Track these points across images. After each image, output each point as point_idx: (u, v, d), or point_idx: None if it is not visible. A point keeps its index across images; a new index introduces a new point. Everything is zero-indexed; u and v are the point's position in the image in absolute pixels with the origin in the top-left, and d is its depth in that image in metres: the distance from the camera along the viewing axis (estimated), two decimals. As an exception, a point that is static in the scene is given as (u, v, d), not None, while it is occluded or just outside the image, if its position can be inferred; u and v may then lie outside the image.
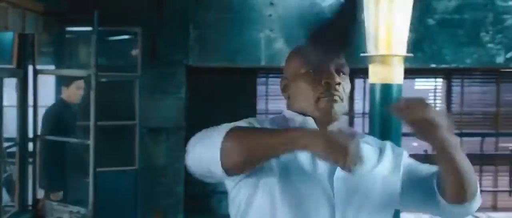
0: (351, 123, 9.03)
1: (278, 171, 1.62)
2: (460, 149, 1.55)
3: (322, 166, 1.63)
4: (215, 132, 1.56)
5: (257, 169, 1.59)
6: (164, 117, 7.34)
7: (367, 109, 9.06)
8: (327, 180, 1.63)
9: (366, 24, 5.12)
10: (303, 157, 1.63)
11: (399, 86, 5.05)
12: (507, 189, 8.86)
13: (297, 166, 1.63)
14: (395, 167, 1.74)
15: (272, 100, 8.84)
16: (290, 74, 1.76)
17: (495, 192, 8.98)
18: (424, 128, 1.48)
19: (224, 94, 8.07)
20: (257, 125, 1.70)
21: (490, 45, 7.63)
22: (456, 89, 8.97)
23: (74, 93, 6.21)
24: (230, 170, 1.53)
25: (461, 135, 8.92)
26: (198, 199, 8.49)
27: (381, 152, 1.76)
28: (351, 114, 9.04)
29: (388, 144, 1.80)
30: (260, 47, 7.44)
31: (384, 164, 1.73)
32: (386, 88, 4.98)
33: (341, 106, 1.69)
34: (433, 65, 7.53)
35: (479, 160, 8.45)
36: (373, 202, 1.66)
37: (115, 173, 6.75)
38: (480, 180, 8.54)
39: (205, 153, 1.55)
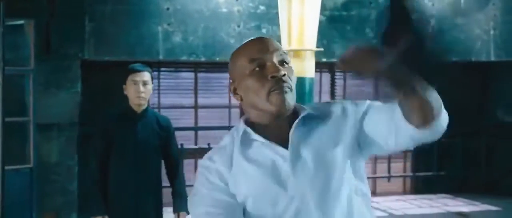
0: (229, 115, 9.17)
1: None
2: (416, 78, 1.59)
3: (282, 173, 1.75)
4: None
5: None
6: (57, 113, 7.05)
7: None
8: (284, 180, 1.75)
9: (280, 19, 5.28)
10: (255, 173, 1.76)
11: (311, 79, 5.27)
12: (386, 175, 9.50)
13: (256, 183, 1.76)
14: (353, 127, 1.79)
15: (164, 94, 8.80)
16: (236, 77, 1.81)
17: (374, 178, 9.59)
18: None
19: (120, 89, 7.89)
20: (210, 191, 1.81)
21: (374, 40, 8.12)
22: (339, 82, 9.46)
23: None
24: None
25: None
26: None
27: (338, 117, 1.81)
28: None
29: (337, 106, 1.84)
30: (158, 41, 7.38)
31: (340, 131, 1.79)
32: (299, 81, 5.14)
33: (291, 96, 1.75)
34: (324, 60, 7.87)
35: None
36: (327, 174, 1.74)
37: (8, 172, 6.39)
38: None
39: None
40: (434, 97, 1.62)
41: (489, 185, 9.64)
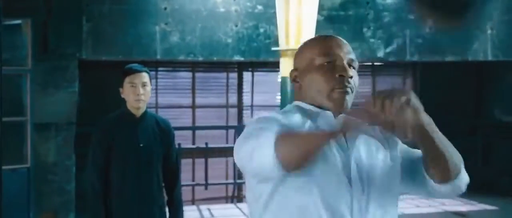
0: (239, 116, 9.21)
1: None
2: (435, 127, 1.69)
3: (338, 158, 1.73)
4: (263, 135, 1.63)
5: None
6: (55, 112, 7.04)
7: (255, 102, 9.31)
8: (343, 171, 1.73)
9: (278, 19, 5.28)
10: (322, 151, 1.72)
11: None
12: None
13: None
14: (395, 153, 1.86)
15: (161, 94, 8.80)
16: (302, 66, 1.82)
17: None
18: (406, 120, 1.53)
19: (118, 89, 7.89)
20: (280, 118, 1.75)
21: (371, 40, 8.15)
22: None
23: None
24: (286, 167, 1.59)
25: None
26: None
27: (385, 139, 1.86)
28: (240, 106, 9.22)
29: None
30: (156, 41, 7.38)
31: (388, 152, 1.85)
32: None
33: (351, 98, 1.79)
34: (322, 59, 7.87)
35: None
36: (384, 189, 1.78)
37: (5, 172, 6.38)
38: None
39: (257, 152, 1.62)
40: (453, 152, 1.72)
41: (486, 184, 9.65)
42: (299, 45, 4.89)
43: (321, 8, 7.76)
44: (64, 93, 7.08)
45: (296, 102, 1.85)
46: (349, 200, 1.70)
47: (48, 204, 7.08)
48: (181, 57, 7.54)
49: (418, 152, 1.85)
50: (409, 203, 8.98)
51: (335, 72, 1.75)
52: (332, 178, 1.70)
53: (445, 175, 1.73)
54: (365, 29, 8.12)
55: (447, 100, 9.35)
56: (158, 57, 7.33)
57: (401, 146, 1.90)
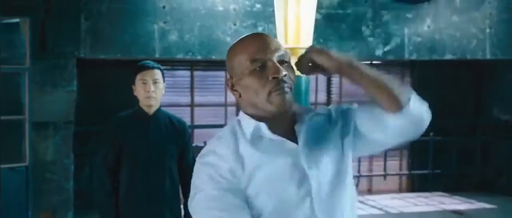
0: (225, 113, 9.17)
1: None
2: (358, 63, 1.74)
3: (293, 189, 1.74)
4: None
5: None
6: (53, 111, 7.03)
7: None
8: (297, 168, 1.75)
9: (276, 18, 5.27)
10: (268, 167, 1.74)
11: (307, 78, 5.27)
12: (382, 173, 9.50)
13: (267, 177, 1.73)
14: (344, 127, 1.86)
15: (160, 92, 8.79)
16: (235, 74, 1.79)
17: (370, 177, 9.60)
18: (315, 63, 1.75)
19: (117, 88, 7.89)
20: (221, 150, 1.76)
21: (370, 39, 8.15)
22: (335, 80, 9.48)
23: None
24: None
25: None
26: (86, 195, 8.25)
27: (330, 119, 1.88)
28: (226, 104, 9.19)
29: (334, 108, 1.92)
30: (154, 39, 7.37)
31: (334, 131, 1.86)
32: (295, 80, 5.14)
33: (291, 96, 1.77)
34: (320, 58, 7.85)
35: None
36: (336, 171, 1.80)
37: (3, 170, 6.40)
38: (358, 166, 9.11)
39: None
40: (390, 82, 1.72)
41: (484, 183, 9.66)
42: (298, 44, 4.81)
43: (319, 6, 7.76)
44: (63, 92, 7.07)
45: (240, 116, 1.84)
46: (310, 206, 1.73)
47: (47, 203, 7.07)
48: (180, 56, 7.53)
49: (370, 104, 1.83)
50: (408, 201, 8.99)
51: (268, 75, 1.72)
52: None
53: (392, 103, 1.70)
54: (363, 28, 8.11)
55: (446, 99, 9.35)
56: (157, 55, 7.32)
57: (355, 118, 1.87)
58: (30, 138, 6.68)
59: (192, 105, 9.00)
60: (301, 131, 1.77)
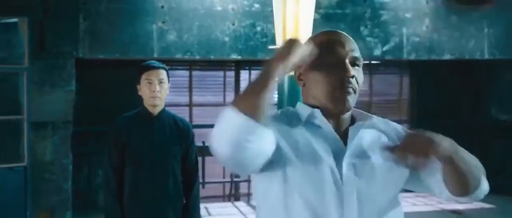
0: None
1: (290, 161, 1.70)
2: (457, 148, 1.71)
3: (330, 153, 1.72)
4: (223, 113, 1.60)
5: (271, 161, 1.66)
6: (52, 111, 7.02)
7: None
8: (335, 166, 1.71)
9: (275, 17, 5.28)
10: (313, 146, 1.72)
11: (306, 77, 5.27)
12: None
13: (308, 153, 1.71)
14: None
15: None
16: (305, 64, 1.79)
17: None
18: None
19: (115, 88, 7.90)
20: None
21: (368, 38, 8.15)
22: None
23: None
24: (253, 118, 1.54)
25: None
26: (85, 195, 8.26)
27: (387, 136, 1.84)
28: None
29: (396, 127, 1.89)
30: (153, 39, 7.37)
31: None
32: (294, 79, 5.15)
33: (353, 98, 1.76)
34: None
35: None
36: (378, 186, 1.74)
37: (2, 170, 6.40)
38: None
39: (227, 126, 1.56)
40: (474, 167, 1.72)
41: (483, 182, 9.65)
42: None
43: (318, 6, 7.76)
44: (61, 92, 7.06)
45: (299, 105, 1.83)
46: (338, 205, 1.68)
47: (45, 203, 7.06)
48: (178, 56, 7.53)
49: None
50: (406, 201, 8.99)
51: (337, 72, 1.73)
52: (316, 184, 1.68)
53: (465, 190, 1.73)
54: (362, 28, 8.12)
55: (444, 99, 9.36)
56: (155, 55, 7.31)
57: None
58: (28, 138, 6.67)
59: (190, 105, 9.00)
60: (354, 135, 1.75)
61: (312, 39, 1.83)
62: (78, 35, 7.10)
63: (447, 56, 8.47)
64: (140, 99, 3.63)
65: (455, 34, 8.44)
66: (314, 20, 7.51)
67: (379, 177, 1.74)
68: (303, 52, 1.68)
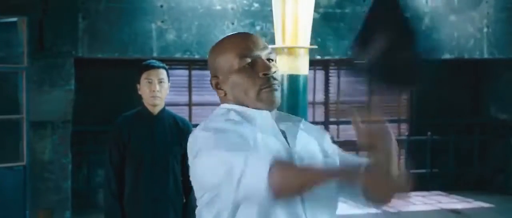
0: None
1: None
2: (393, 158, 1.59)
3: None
4: (250, 158, 1.57)
5: None
6: (51, 110, 7.03)
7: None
8: None
9: (274, 17, 5.28)
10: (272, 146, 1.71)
11: (305, 77, 5.28)
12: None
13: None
14: (329, 149, 1.84)
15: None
16: (221, 71, 1.77)
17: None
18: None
19: (114, 87, 7.89)
20: (235, 129, 1.68)
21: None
22: (333, 79, 9.48)
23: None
24: (278, 196, 1.57)
25: (338, 123, 9.46)
26: (84, 195, 8.25)
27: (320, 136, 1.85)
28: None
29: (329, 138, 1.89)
30: (152, 38, 7.37)
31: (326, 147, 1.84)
32: (293, 79, 5.17)
33: (279, 94, 1.77)
34: (318, 57, 7.87)
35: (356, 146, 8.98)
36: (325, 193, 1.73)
37: (1, 170, 6.39)
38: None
39: (248, 178, 1.56)
40: (395, 182, 1.64)
41: (482, 182, 9.67)
42: (296, 44, 4.82)
43: (317, 5, 7.75)
44: (60, 91, 7.06)
45: (227, 106, 1.79)
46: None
47: (45, 202, 7.07)
48: (178, 55, 7.53)
49: (346, 157, 1.82)
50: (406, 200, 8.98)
51: (258, 72, 1.72)
52: None
53: (384, 200, 1.74)
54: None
55: (444, 99, 9.36)
56: (154, 55, 7.31)
57: (331, 144, 1.86)
58: (27, 137, 6.67)
59: (190, 104, 9.00)
60: (289, 131, 1.75)
61: (223, 45, 1.79)
62: (77, 35, 7.10)
63: (446, 56, 8.47)
64: (139, 98, 3.63)
65: (455, 34, 8.43)
66: (313, 19, 7.53)
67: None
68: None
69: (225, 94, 1.77)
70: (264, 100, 1.72)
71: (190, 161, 1.73)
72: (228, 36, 1.82)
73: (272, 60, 1.76)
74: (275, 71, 1.73)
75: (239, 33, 1.83)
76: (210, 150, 1.63)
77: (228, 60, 1.74)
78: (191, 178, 1.75)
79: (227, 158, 1.58)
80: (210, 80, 1.81)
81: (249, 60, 1.72)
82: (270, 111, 1.74)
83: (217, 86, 1.79)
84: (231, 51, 1.74)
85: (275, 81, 1.73)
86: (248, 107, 1.74)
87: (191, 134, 1.76)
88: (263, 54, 1.74)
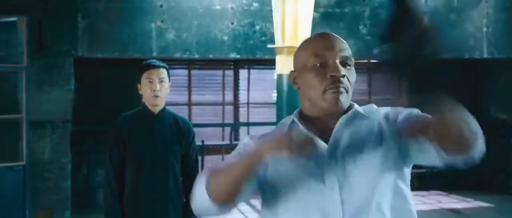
0: (235, 113, 9.21)
1: (276, 192, 1.79)
2: (441, 102, 1.71)
3: (311, 182, 1.76)
4: (199, 178, 1.79)
5: (260, 190, 1.81)
6: (51, 110, 7.03)
7: (251, 99, 9.32)
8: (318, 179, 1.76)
9: (274, 17, 5.28)
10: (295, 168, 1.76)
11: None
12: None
13: (289, 179, 1.78)
14: (389, 137, 1.83)
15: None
16: (298, 67, 1.85)
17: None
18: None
19: (114, 87, 7.90)
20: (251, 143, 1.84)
21: (367, 37, 8.15)
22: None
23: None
24: (223, 205, 1.74)
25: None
26: (84, 194, 8.26)
27: (377, 127, 1.84)
28: (236, 104, 9.22)
29: (376, 112, 1.88)
30: (152, 38, 7.37)
31: (383, 145, 1.82)
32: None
33: (346, 97, 1.78)
34: (318, 57, 7.85)
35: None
36: (361, 177, 1.77)
37: (0, 169, 6.39)
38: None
39: (198, 199, 1.78)
40: (466, 127, 1.75)
41: (481, 182, 9.67)
42: (295, 43, 4.83)
43: (317, 5, 7.76)
44: (60, 91, 7.06)
45: (297, 112, 1.87)
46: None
47: (44, 202, 7.06)
48: (177, 55, 7.53)
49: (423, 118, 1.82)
50: (405, 200, 9.01)
51: (327, 73, 1.75)
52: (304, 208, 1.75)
53: (461, 142, 1.77)
54: (361, 27, 8.12)
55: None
56: (154, 54, 7.31)
57: (402, 116, 1.85)
58: (27, 137, 6.67)
59: (189, 104, 9.00)
60: (337, 133, 1.78)
61: (304, 44, 1.87)
62: (77, 34, 7.10)
63: (446, 55, 8.46)
64: (139, 98, 3.63)
65: (454, 33, 8.42)
66: (313, 19, 7.52)
67: (368, 174, 1.78)
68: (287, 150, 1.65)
69: (299, 89, 1.84)
70: (327, 100, 1.75)
71: None
72: (313, 35, 1.91)
73: (348, 64, 1.79)
74: (344, 75, 1.75)
75: (321, 33, 1.88)
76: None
77: (304, 58, 1.80)
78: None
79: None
80: (289, 74, 1.89)
81: (321, 60, 1.77)
82: (334, 112, 1.78)
83: (293, 81, 1.86)
84: (307, 50, 1.81)
85: (342, 85, 1.75)
86: (316, 105, 1.79)
87: None
88: (338, 57, 1.77)
